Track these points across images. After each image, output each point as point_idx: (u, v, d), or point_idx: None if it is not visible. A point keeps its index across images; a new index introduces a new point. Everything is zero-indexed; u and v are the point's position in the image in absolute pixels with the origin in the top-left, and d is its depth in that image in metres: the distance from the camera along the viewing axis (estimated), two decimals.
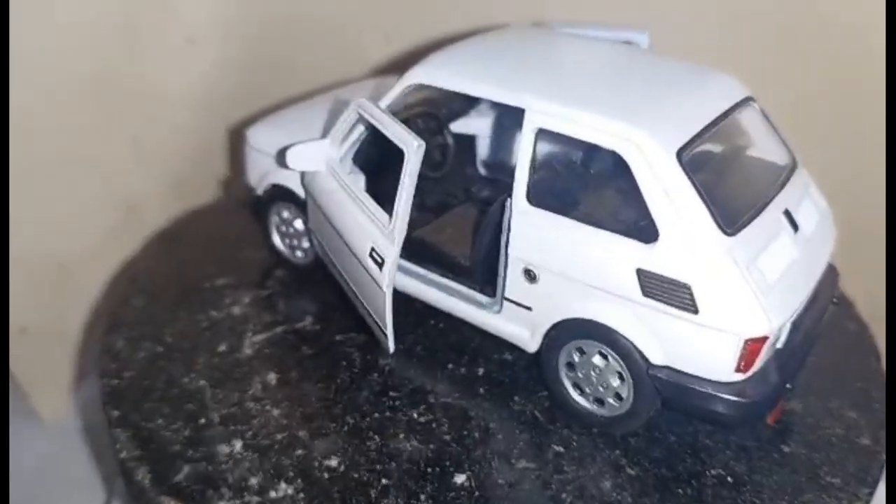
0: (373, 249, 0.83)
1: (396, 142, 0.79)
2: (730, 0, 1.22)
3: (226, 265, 1.13)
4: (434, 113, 1.03)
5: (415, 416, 0.88)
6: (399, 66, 1.38)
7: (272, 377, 0.94)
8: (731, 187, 0.85)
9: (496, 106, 1.06)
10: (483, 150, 1.16)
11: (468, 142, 1.12)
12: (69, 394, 1.44)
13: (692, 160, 0.78)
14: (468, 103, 1.09)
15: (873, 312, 1.08)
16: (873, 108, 1.16)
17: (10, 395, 1.38)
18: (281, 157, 0.94)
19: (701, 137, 0.80)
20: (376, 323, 0.87)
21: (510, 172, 1.11)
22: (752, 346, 0.76)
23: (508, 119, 1.12)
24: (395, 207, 0.80)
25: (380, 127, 0.82)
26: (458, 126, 1.11)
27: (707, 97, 0.85)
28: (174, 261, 1.16)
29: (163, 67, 1.33)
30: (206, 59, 1.37)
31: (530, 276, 0.85)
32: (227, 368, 0.95)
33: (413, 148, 0.77)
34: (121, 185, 1.36)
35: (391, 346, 0.86)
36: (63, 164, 1.26)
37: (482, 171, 1.16)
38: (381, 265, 0.81)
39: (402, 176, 0.79)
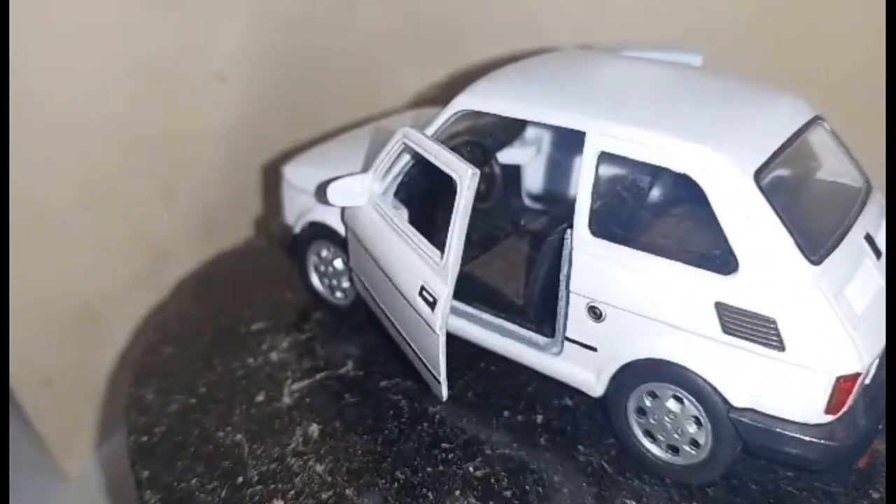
0: (423, 288, 0.77)
1: (448, 171, 0.73)
2: (781, 16, 1.17)
3: (261, 308, 1.08)
4: (479, 142, 0.97)
5: (471, 469, 0.81)
6: (434, 96, 1.34)
7: (314, 429, 0.87)
8: (809, 212, 0.78)
9: (548, 132, 1.01)
10: (528, 179, 1.10)
11: (513, 172, 1.07)
12: (93, 449, 1.39)
13: (769, 184, 0.72)
14: (513, 132, 1.04)
15: None
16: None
17: (31, 450, 1.33)
18: (321, 193, 0.89)
19: (776, 159, 0.74)
20: (427, 367, 0.80)
21: (557, 202, 1.08)
22: (843, 385, 0.69)
23: (557, 146, 1.07)
24: (448, 241, 0.74)
25: (429, 156, 0.77)
26: (502, 156, 1.05)
27: (777, 116, 0.79)
28: (206, 305, 1.11)
29: (191, 106, 1.29)
30: (236, 97, 1.34)
31: (595, 313, 0.78)
32: (265, 420, 0.88)
33: (467, 177, 0.71)
34: (148, 227, 1.32)
35: (444, 393, 0.79)
36: (88, 206, 1.22)
37: (527, 201, 1.10)
38: (432, 305, 0.75)
39: (455, 207, 0.73)
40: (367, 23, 1.35)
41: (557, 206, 1.07)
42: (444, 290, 0.74)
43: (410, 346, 0.83)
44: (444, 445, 0.84)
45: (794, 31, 1.16)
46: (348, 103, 1.32)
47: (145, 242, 1.33)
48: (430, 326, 0.75)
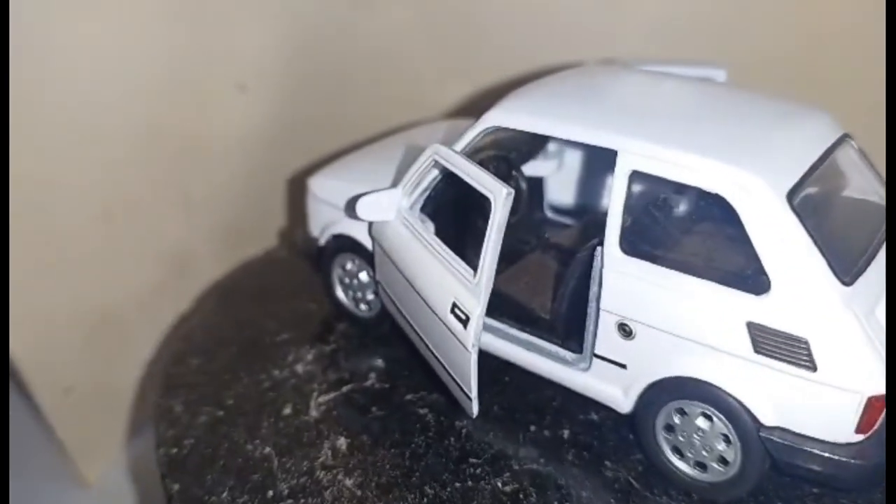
0: (455, 305, 0.77)
1: (483, 190, 0.74)
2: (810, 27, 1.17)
3: (285, 319, 1.08)
4: (505, 156, 0.97)
5: (499, 485, 0.81)
6: (458, 108, 1.34)
7: (342, 442, 0.87)
8: (839, 231, 0.78)
9: (575, 147, 1.01)
10: (551, 192, 1.10)
11: (536, 184, 1.07)
12: (116, 457, 1.38)
13: (800, 203, 0.72)
14: (537, 145, 1.04)
15: None
16: None
17: (52, 456, 1.33)
18: (350, 208, 0.89)
19: (807, 179, 0.74)
20: (456, 383, 0.81)
21: (580, 215, 1.09)
22: (874, 405, 0.69)
23: (579, 159, 1.07)
24: (481, 259, 0.74)
25: (461, 174, 0.77)
26: (525, 169, 1.05)
27: (807, 135, 0.79)
28: (230, 315, 1.11)
29: (212, 116, 1.29)
30: (257, 106, 1.33)
31: (625, 330, 0.78)
32: (293, 433, 0.89)
33: (502, 196, 0.72)
34: (169, 236, 1.32)
35: (475, 410, 0.80)
36: (111, 216, 1.22)
37: (550, 214, 1.11)
38: (465, 322, 0.75)
39: (489, 225, 0.73)
40: (391, 34, 1.34)
41: (579, 218, 1.07)
42: (476, 307, 0.75)
43: (439, 361, 0.84)
44: (471, 460, 0.85)
45: (815, 42, 1.17)
46: (370, 114, 1.32)
47: (166, 252, 1.33)
48: (463, 344, 0.76)
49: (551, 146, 1.07)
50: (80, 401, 1.28)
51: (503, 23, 1.29)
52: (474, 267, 0.76)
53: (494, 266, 0.74)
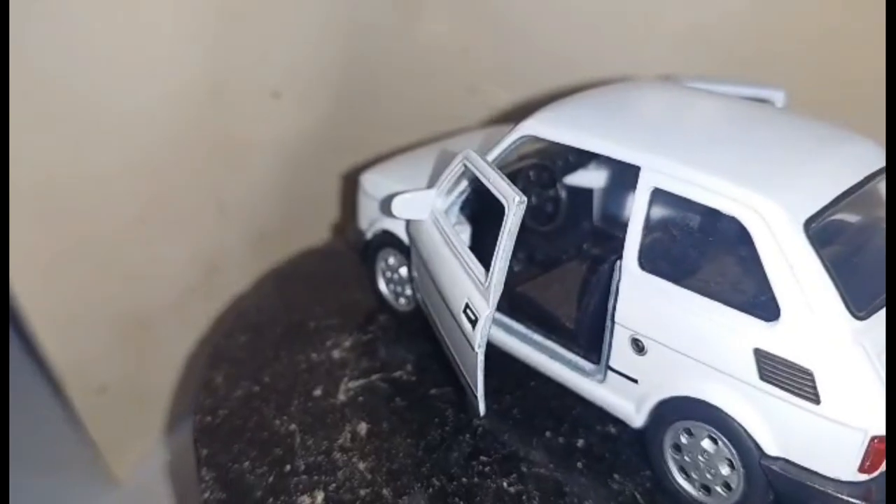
0: (467, 306, 0.79)
1: (498, 195, 0.76)
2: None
3: (332, 306, 1.13)
4: (547, 165, 0.99)
5: (505, 485, 0.83)
6: (508, 114, 1.35)
7: (363, 427, 0.91)
8: (865, 264, 0.76)
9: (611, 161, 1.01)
10: (601, 203, 1.11)
11: (586, 195, 1.08)
12: (147, 457, 1.42)
13: (822, 232, 0.71)
14: (586, 156, 1.05)
15: None
16: None
17: (86, 457, 1.36)
18: (386, 205, 0.93)
19: (833, 208, 0.73)
20: (467, 382, 0.83)
21: (626, 229, 1.08)
22: (879, 445, 0.67)
23: (627, 174, 1.07)
24: (493, 263, 0.76)
25: (483, 179, 0.80)
26: (577, 178, 1.06)
27: (843, 163, 0.77)
28: (283, 298, 1.17)
29: (248, 122, 1.30)
30: (291, 112, 1.34)
31: (638, 346, 0.79)
32: (319, 414, 0.93)
33: (514, 203, 0.74)
34: (202, 240, 1.34)
35: (482, 409, 0.82)
36: (146, 219, 1.24)
37: (600, 225, 1.11)
38: (473, 323, 0.78)
39: (501, 230, 0.75)
40: (428, 40, 1.34)
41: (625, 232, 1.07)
42: (485, 309, 0.77)
43: (455, 359, 0.86)
44: (482, 458, 0.87)
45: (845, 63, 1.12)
46: (403, 124, 1.33)
47: (200, 255, 1.34)
48: (470, 343, 0.78)
49: (603, 157, 1.07)
50: (113, 400, 1.30)
51: (539, 33, 1.28)
52: (488, 269, 0.79)
53: (505, 270, 0.76)
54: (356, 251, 1.12)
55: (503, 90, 1.34)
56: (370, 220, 1.07)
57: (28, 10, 1.01)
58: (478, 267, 0.79)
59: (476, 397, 0.81)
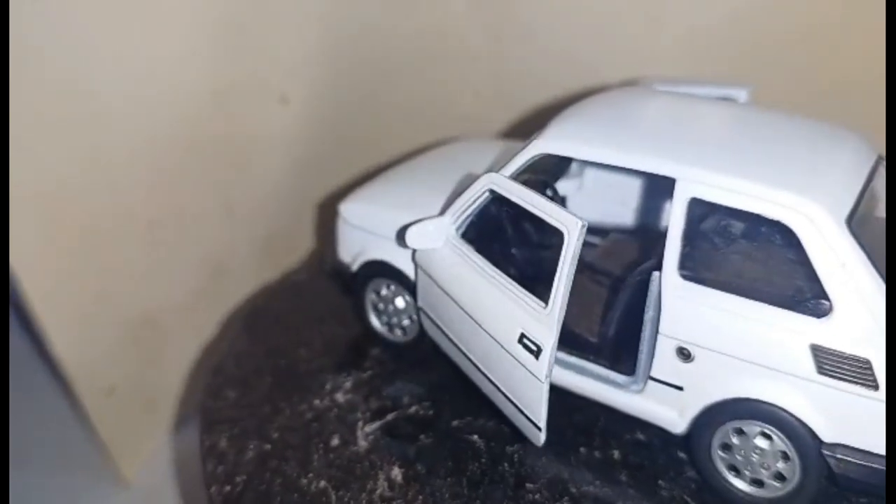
0: (523, 336, 0.77)
1: (555, 223, 0.74)
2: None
3: (315, 345, 1.07)
4: (545, 179, 0.98)
5: None
6: (512, 117, 1.36)
7: (396, 472, 0.87)
8: (881, 252, 0.81)
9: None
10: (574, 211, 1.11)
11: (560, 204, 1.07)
12: (155, 457, 1.39)
13: (856, 227, 0.75)
14: (563, 166, 1.05)
15: None
16: None
17: (94, 458, 1.34)
18: (400, 238, 0.88)
19: (860, 203, 0.77)
20: (523, 413, 0.81)
21: (602, 234, 1.09)
22: None
23: (600, 178, 1.08)
24: (554, 291, 0.74)
25: (529, 206, 0.77)
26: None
27: (853, 158, 0.81)
28: (259, 343, 1.09)
29: (255, 127, 1.31)
30: (299, 118, 1.35)
31: (684, 354, 0.80)
32: (345, 465, 0.88)
33: (577, 229, 0.72)
34: (210, 243, 1.34)
35: (542, 439, 0.80)
36: (154, 222, 1.24)
37: None
38: (536, 353, 0.76)
39: (562, 257, 0.73)
40: (433, 42, 1.36)
41: (602, 236, 1.08)
42: (549, 338, 0.75)
43: (500, 390, 0.84)
44: (528, 485, 0.85)
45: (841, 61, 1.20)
46: (410, 128, 1.34)
47: (207, 258, 1.35)
48: (535, 375, 0.76)
49: (574, 166, 1.08)
50: (121, 401, 1.30)
51: (538, 41, 1.31)
52: (538, 295, 0.77)
53: (567, 297, 0.75)
54: (334, 282, 1.06)
55: (507, 93, 1.35)
56: (354, 251, 1.01)
57: (37, 12, 1.02)
58: (529, 296, 0.77)
59: (538, 428, 0.79)
